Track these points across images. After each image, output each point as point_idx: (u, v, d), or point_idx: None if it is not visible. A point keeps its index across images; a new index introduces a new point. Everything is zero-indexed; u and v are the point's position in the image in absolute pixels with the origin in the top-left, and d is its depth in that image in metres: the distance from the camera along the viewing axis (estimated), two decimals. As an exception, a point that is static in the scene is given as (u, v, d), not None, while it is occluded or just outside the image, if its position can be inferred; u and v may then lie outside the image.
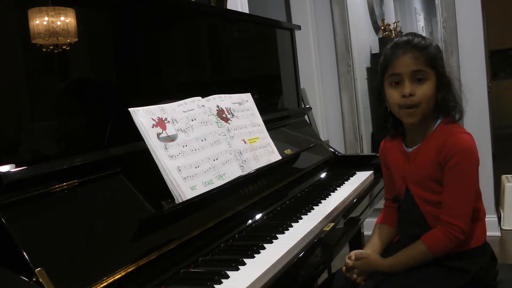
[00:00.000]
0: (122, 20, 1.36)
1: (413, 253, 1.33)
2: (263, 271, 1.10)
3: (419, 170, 1.35)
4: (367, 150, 4.39)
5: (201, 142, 1.41)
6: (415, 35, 1.37)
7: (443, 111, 1.36)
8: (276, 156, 1.72)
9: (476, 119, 3.41)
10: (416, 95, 1.32)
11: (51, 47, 1.13)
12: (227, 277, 1.07)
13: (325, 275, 2.24)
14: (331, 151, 2.25)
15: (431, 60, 1.33)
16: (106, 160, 1.16)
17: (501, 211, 3.56)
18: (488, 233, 1.40)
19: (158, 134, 1.29)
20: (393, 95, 1.34)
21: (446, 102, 1.35)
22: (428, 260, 1.31)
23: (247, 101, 1.75)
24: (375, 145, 4.70)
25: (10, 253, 0.89)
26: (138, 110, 1.28)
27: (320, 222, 1.47)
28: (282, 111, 2.20)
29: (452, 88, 1.36)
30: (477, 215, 1.35)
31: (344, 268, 1.42)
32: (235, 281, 1.06)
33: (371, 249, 1.45)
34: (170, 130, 1.33)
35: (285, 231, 1.37)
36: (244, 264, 1.14)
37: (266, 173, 1.64)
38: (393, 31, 5.37)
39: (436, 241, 1.30)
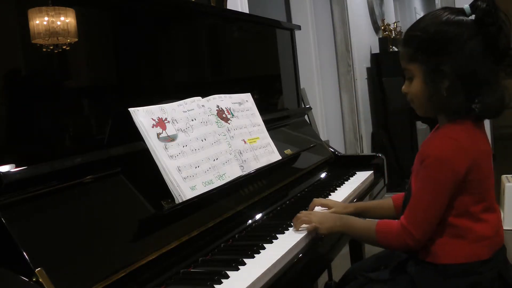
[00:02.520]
0: (122, 20, 1.36)
1: (364, 227, 1.30)
2: (263, 271, 1.10)
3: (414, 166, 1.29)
4: (367, 150, 4.39)
5: (201, 142, 1.41)
6: (415, 22, 1.27)
7: (438, 110, 1.26)
8: (276, 156, 1.73)
9: (476, 119, 3.41)
10: (408, 93, 1.28)
11: (51, 47, 1.13)
12: (227, 277, 1.07)
13: (325, 275, 2.25)
14: (331, 151, 2.25)
15: (414, 53, 1.23)
16: (106, 160, 1.16)
17: (501, 211, 3.56)
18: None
19: (158, 134, 1.29)
20: None
21: (436, 99, 1.22)
22: (371, 242, 1.29)
23: (247, 101, 1.75)
24: (375, 145, 4.71)
25: (10, 253, 0.89)
26: (138, 110, 1.28)
27: (320, 222, 1.47)
28: (282, 111, 2.20)
29: (452, 82, 1.19)
30: (455, 232, 1.22)
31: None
32: (235, 281, 1.06)
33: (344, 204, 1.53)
34: (170, 130, 1.33)
35: (285, 231, 1.37)
36: (244, 264, 1.14)
37: (266, 173, 1.64)
38: (393, 31, 5.37)
39: (387, 234, 1.25)
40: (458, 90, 1.19)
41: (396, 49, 5.01)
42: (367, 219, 1.35)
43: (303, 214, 1.39)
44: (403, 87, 1.29)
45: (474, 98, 1.19)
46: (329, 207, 1.52)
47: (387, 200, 1.52)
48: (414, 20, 1.33)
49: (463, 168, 1.18)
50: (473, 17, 1.20)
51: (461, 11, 1.21)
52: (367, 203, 1.62)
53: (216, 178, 1.39)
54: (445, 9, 1.24)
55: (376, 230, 1.26)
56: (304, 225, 1.36)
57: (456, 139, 1.20)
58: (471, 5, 1.20)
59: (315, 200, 1.55)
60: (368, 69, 4.86)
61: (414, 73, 1.25)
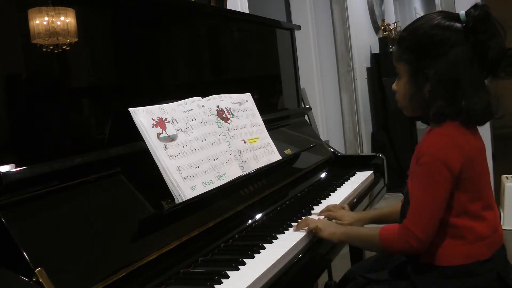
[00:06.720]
0: (122, 20, 1.36)
1: (366, 234, 1.31)
2: (263, 271, 1.10)
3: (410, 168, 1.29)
4: (367, 150, 4.40)
5: (201, 142, 1.41)
6: (409, 24, 1.27)
7: (420, 111, 1.27)
8: (276, 156, 1.73)
9: (476, 119, 3.41)
10: (396, 91, 1.29)
11: (51, 47, 1.13)
12: (227, 277, 1.07)
13: (325, 275, 2.25)
14: (331, 151, 2.25)
15: (401, 53, 1.24)
16: (106, 160, 1.16)
17: (501, 211, 3.56)
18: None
19: (158, 134, 1.29)
20: None
21: (416, 101, 1.24)
22: (374, 249, 1.31)
23: (247, 101, 1.75)
24: (375, 145, 4.71)
25: (10, 253, 0.89)
26: (138, 110, 1.28)
27: (320, 222, 1.47)
28: (282, 111, 2.20)
29: (434, 86, 1.19)
30: (455, 232, 1.21)
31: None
32: (235, 281, 1.06)
33: (358, 215, 1.52)
34: (170, 130, 1.33)
35: (285, 231, 1.37)
36: (244, 264, 1.14)
37: (266, 173, 1.64)
38: (393, 31, 5.37)
39: (390, 238, 1.23)
40: (439, 95, 1.19)
41: (396, 49, 5.00)
42: (369, 229, 1.35)
43: (310, 218, 1.41)
44: (393, 84, 1.30)
45: (457, 103, 1.19)
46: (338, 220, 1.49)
47: (398, 205, 1.47)
48: (414, 20, 1.33)
49: (458, 164, 1.18)
50: None
51: (456, 17, 1.21)
52: (378, 213, 1.57)
53: (216, 178, 1.39)
54: (440, 13, 1.24)
55: (379, 235, 1.25)
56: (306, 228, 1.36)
57: (450, 136, 1.20)
58: (466, 12, 1.19)
59: (329, 210, 1.52)
60: (368, 69, 4.86)
61: (401, 72, 1.26)
